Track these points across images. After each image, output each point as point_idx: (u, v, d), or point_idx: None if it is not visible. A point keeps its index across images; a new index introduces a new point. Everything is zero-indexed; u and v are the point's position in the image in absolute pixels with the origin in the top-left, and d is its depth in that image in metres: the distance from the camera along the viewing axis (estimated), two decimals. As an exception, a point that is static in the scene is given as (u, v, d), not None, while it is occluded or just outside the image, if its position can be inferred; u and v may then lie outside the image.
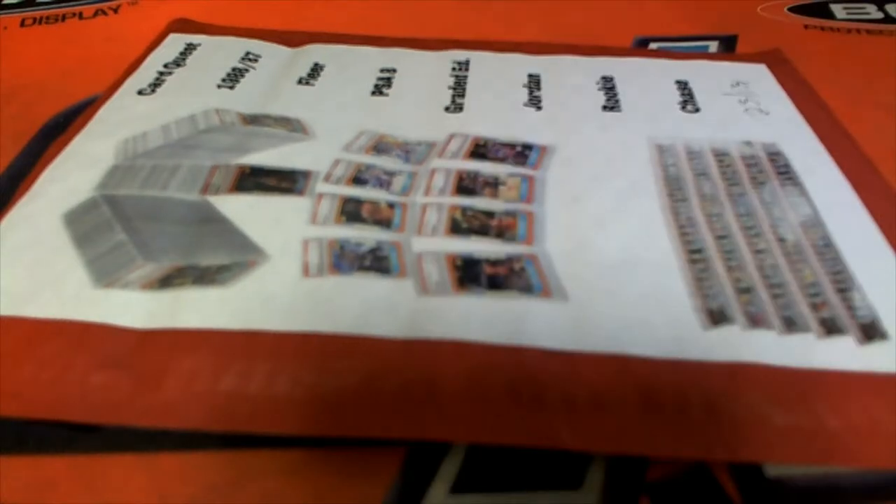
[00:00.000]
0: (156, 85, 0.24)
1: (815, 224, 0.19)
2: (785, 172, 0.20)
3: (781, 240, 0.18)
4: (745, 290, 0.17)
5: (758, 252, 0.18)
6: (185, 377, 0.15)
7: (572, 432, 0.14)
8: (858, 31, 0.30)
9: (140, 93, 0.23)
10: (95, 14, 0.30)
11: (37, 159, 0.21)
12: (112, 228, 0.18)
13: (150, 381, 0.15)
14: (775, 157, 0.21)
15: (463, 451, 0.14)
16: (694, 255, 0.18)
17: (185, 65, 0.25)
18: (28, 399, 0.14)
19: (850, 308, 0.16)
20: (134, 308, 0.16)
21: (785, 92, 0.25)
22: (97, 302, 0.16)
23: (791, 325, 0.16)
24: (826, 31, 0.30)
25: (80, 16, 0.30)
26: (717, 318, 0.16)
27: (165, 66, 0.25)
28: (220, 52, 0.26)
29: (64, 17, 0.30)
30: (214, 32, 0.28)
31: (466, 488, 0.13)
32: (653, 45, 0.29)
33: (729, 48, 0.29)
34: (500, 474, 0.13)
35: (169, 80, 0.24)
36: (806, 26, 0.31)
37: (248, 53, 0.26)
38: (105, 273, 0.17)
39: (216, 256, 0.17)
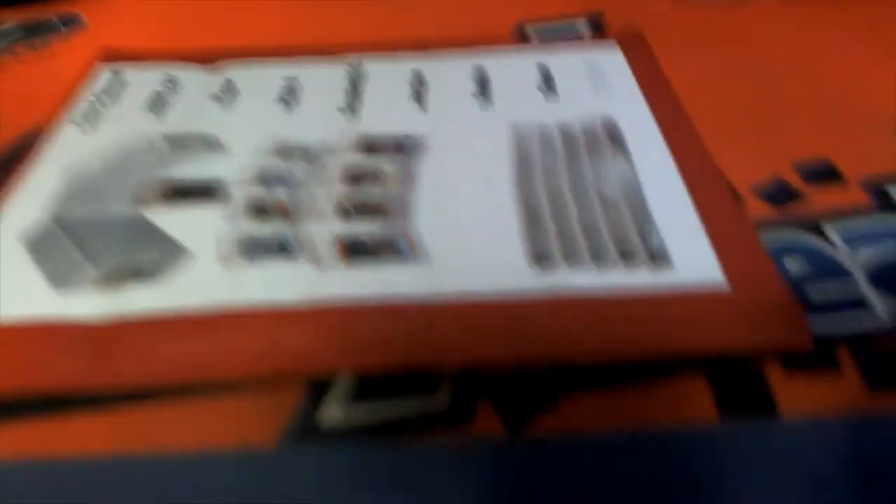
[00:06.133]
0: (89, 115, 0.28)
1: (631, 180, 0.23)
2: (616, 141, 0.25)
3: (601, 196, 0.23)
4: (567, 238, 0.21)
5: (582, 210, 0.22)
6: (134, 353, 0.19)
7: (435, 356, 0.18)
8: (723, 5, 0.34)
9: (75, 123, 0.27)
10: (28, 53, 0.33)
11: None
12: (62, 244, 0.22)
13: (104, 359, 0.19)
14: (611, 128, 0.26)
15: (352, 377, 0.18)
16: (531, 215, 0.22)
17: (112, 94, 0.29)
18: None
19: (647, 244, 0.21)
20: (89, 304, 0.20)
21: (631, 70, 0.29)
22: (57, 302, 0.20)
23: (601, 260, 0.21)
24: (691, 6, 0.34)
25: (14, 53, 0.33)
26: (542, 259, 0.21)
27: (95, 96, 0.29)
28: (143, 79, 0.30)
29: None
30: (137, 58, 0.31)
31: (355, 399, 0.18)
32: (529, 29, 0.33)
33: (596, 26, 0.33)
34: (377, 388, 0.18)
35: (100, 110, 0.28)
36: (674, 1, 0.35)
37: (168, 78, 0.30)
38: (61, 280, 0.21)
39: (150, 257, 0.21)
